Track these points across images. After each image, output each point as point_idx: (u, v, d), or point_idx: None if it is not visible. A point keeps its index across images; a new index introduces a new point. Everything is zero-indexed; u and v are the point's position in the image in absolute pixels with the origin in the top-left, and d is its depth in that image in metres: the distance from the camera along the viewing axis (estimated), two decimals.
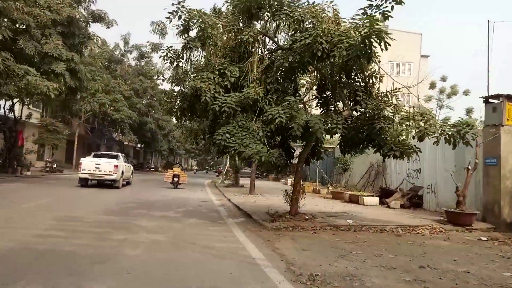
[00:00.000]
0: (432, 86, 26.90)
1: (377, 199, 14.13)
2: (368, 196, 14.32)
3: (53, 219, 8.49)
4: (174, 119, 53.52)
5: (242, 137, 8.70)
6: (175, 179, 21.28)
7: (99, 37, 22.24)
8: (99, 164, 17.77)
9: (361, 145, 9.72)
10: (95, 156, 19.39)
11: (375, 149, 9.56)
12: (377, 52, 8.02)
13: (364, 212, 11.90)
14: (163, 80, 27.81)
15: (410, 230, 9.15)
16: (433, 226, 9.55)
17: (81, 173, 17.79)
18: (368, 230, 8.91)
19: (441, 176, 12.74)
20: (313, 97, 10.81)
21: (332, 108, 10.37)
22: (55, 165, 28.65)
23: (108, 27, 21.77)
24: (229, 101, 8.85)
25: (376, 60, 8.25)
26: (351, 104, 9.57)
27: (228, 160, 37.16)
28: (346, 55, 7.72)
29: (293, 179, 10.35)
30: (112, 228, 7.77)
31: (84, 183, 18.12)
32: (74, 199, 13.26)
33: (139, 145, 60.01)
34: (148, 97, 40.72)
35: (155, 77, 40.68)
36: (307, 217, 9.95)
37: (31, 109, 31.60)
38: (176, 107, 10.01)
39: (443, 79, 27.60)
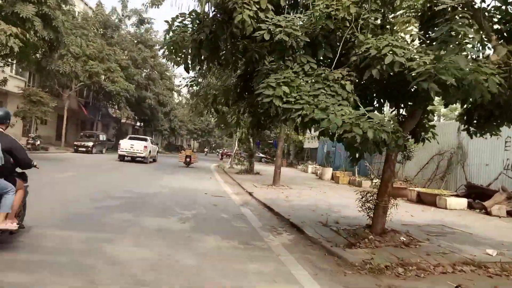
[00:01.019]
0: None
1: (464, 200, 10.03)
2: (450, 196, 10.19)
3: None
4: (178, 91, 48.83)
5: (314, 92, 4.50)
6: (187, 159, 24.44)
7: None
8: (133, 145, 23.26)
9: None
10: (130, 138, 25.10)
11: None
12: None
13: (468, 225, 7.80)
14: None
15: None
16: None
17: (120, 151, 23.34)
18: None
19: None
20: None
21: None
22: (38, 142, 24.57)
23: None
24: (287, 24, 4.61)
25: None
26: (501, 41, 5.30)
27: (236, 142, 33.11)
28: None
29: (383, 173, 6.11)
30: (51, 271, 3.69)
31: (122, 159, 23.44)
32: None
33: (138, 124, 55.88)
34: (148, 69, 36.24)
35: (157, 47, 36.10)
36: (403, 239, 5.87)
37: (15, 77, 27.42)
38: (188, 41, 5.67)
39: None
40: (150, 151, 24.15)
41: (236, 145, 32.39)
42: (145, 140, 25.11)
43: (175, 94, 50.43)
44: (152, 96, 35.61)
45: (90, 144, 28.87)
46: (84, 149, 28.57)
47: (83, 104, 40.10)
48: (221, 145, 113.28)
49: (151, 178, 14.76)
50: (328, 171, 18.53)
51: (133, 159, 23.49)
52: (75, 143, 28.89)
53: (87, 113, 38.62)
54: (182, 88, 37.39)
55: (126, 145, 23.27)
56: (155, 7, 18.60)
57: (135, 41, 35.82)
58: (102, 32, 34.12)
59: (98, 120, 38.49)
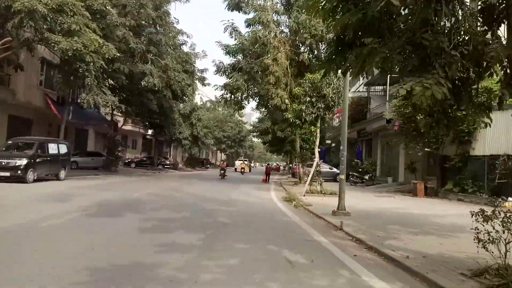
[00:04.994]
0: None
1: None
2: None
3: None
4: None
5: None
6: (242, 169, 38.11)
7: None
8: (240, 163, 42.43)
9: None
10: (239, 160, 48.07)
11: None
12: None
13: None
14: None
15: None
16: None
17: (235, 168, 44.25)
18: None
19: None
20: None
21: None
22: None
23: None
24: None
25: None
26: None
27: (315, 150, 17.21)
28: None
29: None
30: None
31: (235, 171, 41.34)
32: None
33: (150, 132, 41.14)
34: (147, 25, 20.79)
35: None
36: None
37: None
38: None
39: None
40: (250, 167, 47.04)
41: (317, 154, 16.42)
42: (247, 160, 52.07)
43: (198, 87, 35.20)
44: (155, 71, 20.02)
45: (21, 163, 13.74)
46: (7, 174, 13.55)
47: (55, 100, 25.44)
48: (252, 157, 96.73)
49: None
50: None
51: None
52: None
53: (58, 113, 23.76)
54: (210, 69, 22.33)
55: (238, 163, 43.50)
56: None
57: None
58: None
59: (70, 119, 23.48)
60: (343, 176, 10.01)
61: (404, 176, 20.51)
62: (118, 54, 16.27)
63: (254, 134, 48.61)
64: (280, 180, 28.50)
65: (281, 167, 63.09)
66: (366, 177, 22.62)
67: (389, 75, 21.94)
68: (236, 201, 12.61)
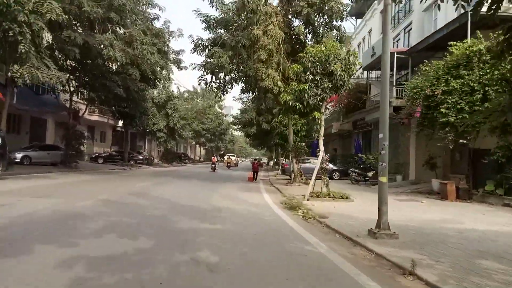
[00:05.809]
0: None
1: None
2: None
3: None
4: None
5: None
6: (229, 164, 41.33)
7: None
8: (227, 158, 44.80)
9: None
10: (226, 155, 53.42)
11: None
12: None
13: None
14: None
15: None
16: None
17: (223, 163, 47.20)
18: None
19: None
20: None
21: None
22: None
23: None
24: None
25: None
26: None
27: (319, 142, 13.93)
28: None
29: None
30: None
31: (226, 167, 40.85)
32: None
33: (120, 123, 36.87)
34: None
35: None
36: None
37: None
38: None
39: None
40: (237, 162, 54.63)
41: (322, 147, 13.11)
42: (234, 156, 58.39)
43: (173, 72, 31.29)
44: (118, 43, 15.97)
45: None
46: None
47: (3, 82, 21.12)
48: (232, 152, 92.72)
49: None
50: None
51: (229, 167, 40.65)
52: None
53: (3, 97, 19.50)
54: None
55: (225, 158, 45.93)
56: None
57: None
58: None
59: (24, 109, 19.35)
60: (384, 179, 6.75)
61: (416, 173, 17.58)
62: (64, 16, 12.34)
63: (236, 127, 44.98)
64: (268, 177, 25.13)
65: (264, 163, 59.83)
66: (370, 174, 19.60)
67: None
68: (222, 210, 9.16)
